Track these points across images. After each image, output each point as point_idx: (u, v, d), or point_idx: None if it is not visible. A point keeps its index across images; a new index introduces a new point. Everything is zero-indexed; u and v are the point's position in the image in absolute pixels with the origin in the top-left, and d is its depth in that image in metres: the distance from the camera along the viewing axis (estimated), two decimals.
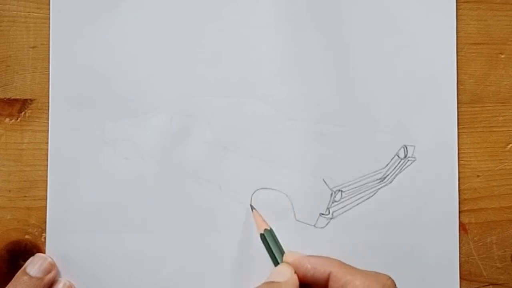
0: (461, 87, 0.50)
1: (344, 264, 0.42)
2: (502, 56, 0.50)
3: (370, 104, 0.49)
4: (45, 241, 0.47)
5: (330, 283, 0.41)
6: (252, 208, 0.48)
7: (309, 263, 0.43)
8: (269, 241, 0.46)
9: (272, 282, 0.42)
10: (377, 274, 0.41)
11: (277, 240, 0.46)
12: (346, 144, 0.49)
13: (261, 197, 0.48)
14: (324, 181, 0.48)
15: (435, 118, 0.49)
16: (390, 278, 0.41)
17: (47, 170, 0.48)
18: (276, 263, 0.45)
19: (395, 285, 0.41)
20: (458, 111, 0.49)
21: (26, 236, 0.48)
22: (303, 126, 0.49)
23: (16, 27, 0.48)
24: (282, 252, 0.45)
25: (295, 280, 0.42)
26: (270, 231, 0.46)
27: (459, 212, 0.49)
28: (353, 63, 0.49)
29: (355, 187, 0.48)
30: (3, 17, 0.48)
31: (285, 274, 0.43)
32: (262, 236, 0.46)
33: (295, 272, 0.43)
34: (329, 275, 0.41)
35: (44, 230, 0.47)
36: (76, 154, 0.48)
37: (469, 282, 0.49)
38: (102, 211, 0.48)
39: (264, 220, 0.47)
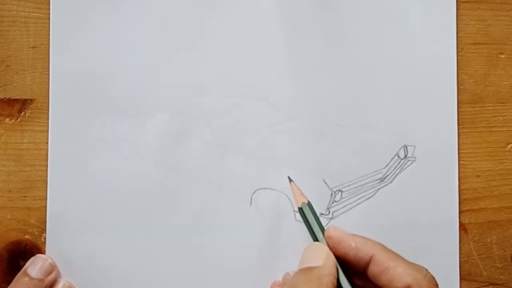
0: (461, 87, 0.50)
1: (387, 249, 0.41)
2: (502, 56, 0.50)
3: (370, 104, 0.49)
4: (45, 241, 0.47)
5: (371, 266, 0.40)
6: (290, 180, 0.46)
7: (353, 241, 0.41)
8: (307, 215, 0.43)
9: (309, 268, 0.40)
10: (417, 265, 0.40)
11: (316, 215, 0.44)
12: (346, 144, 0.49)
13: (261, 197, 0.48)
14: (324, 181, 0.48)
15: (435, 118, 0.49)
16: (428, 271, 0.40)
17: (47, 170, 0.48)
18: (315, 238, 0.43)
19: (435, 279, 0.40)
20: (458, 111, 0.49)
21: (26, 236, 0.48)
22: (303, 126, 0.49)
23: (16, 27, 0.48)
24: (322, 228, 0.43)
25: (332, 261, 0.40)
26: (309, 205, 0.44)
27: (459, 212, 0.49)
28: (353, 63, 0.49)
29: (355, 187, 0.48)
30: (3, 17, 0.48)
31: (320, 256, 0.41)
32: (300, 210, 0.44)
33: (334, 253, 0.41)
34: (371, 257, 0.40)
35: (44, 230, 0.47)
36: (76, 154, 0.48)
37: (469, 282, 0.49)
38: (102, 211, 0.48)
39: (303, 193, 0.45)
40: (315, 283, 0.39)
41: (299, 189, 0.46)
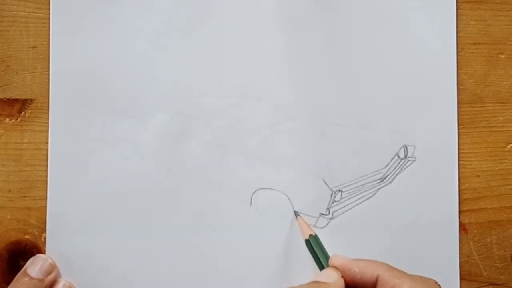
0: (461, 87, 0.50)
1: (392, 267, 0.42)
2: (502, 56, 0.50)
3: (370, 104, 0.49)
4: (45, 241, 0.47)
5: (378, 286, 0.41)
6: (297, 214, 0.48)
7: (356, 267, 0.43)
8: (315, 246, 0.46)
9: (320, 282, 0.42)
10: (423, 278, 0.41)
11: (323, 246, 0.46)
12: (346, 144, 0.49)
13: (261, 197, 0.48)
14: (324, 181, 0.48)
15: (435, 118, 0.49)
16: (436, 282, 0.41)
17: (47, 170, 0.48)
18: (321, 267, 0.45)
19: None
20: (458, 111, 0.49)
21: (26, 236, 0.48)
22: (303, 126, 0.49)
23: (16, 27, 0.48)
24: (327, 257, 0.45)
25: (342, 283, 0.42)
26: (315, 237, 0.46)
27: (459, 212, 0.49)
28: (353, 64, 0.49)
29: (355, 187, 0.48)
30: (3, 17, 0.48)
31: (331, 276, 0.43)
32: (307, 242, 0.46)
33: (342, 276, 0.43)
34: (377, 278, 0.41)
35: (44, 230, 0.47)
36: (76, 154, 0.48)
37: (469, 282, 0.49)
38: (102, 211, 0.48)
39: (309, 226, 0.47)
40: None
41: (305, 222, 0.47)
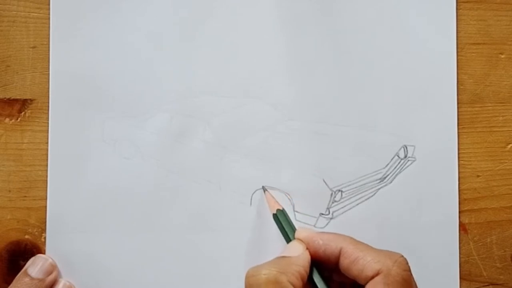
0: (461, 87, 0.50)
1: (356, 240, 0.42)
2: (502, 56, 0.50)
3: (370, 104, 0.49)
4: (45, 241, 0.47)
5: (341, 259, 0.41)
6: (265, 189, 0.48)
7: (320, 239, 0.42)
8: (282, 220, 0.46)
9: (284, 256, 0.42)
10: (388, 251, 0.41)
11: (290, 220, 0.46)
12: (346, 144, 0.49)
13: (261, 197, 0.48)
14: (324, 181, 0.48)
15: (435, 118, 0.49)
16: (402, 256, 0.40)
17: (47, 170, 0.48)
18: (288, 241, 0.45)
19: (407, 262, 0.40)
20: (458, 111, 0.49)
21: (26, 236, 0.48)
22: (303, 126, 0.49)
23: (16, 27, 0.48)
24: (294, 230, 0.45)
25: (306, 256, 0.42)
26: (283, 211, 0.46)
27: (459, 212, 0.49)
28: (353, 64, 0.49)
29: (355, 187, 0.48)
30: (3, 17, 0.48)
31: (297, 249, 0.43)
32: (275, 216, 0.46)
33: (307, 248, 0.43)
34: (340, 251, 0.41)
35: (44, 230, 0.47)
36: (76, 154, 0.48)
37: (469, 282, 0.49)
38: (102, 211, 0.48)
39: (277, 201, 0.47)
40: (282, 267, 0.40)
41: (273, 197, 0.47)
